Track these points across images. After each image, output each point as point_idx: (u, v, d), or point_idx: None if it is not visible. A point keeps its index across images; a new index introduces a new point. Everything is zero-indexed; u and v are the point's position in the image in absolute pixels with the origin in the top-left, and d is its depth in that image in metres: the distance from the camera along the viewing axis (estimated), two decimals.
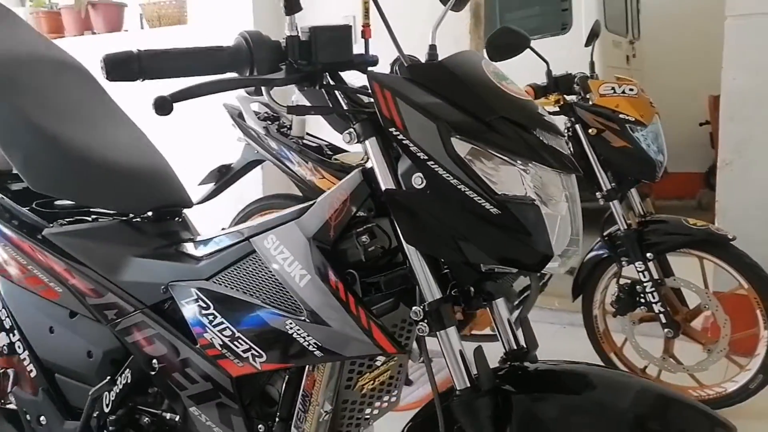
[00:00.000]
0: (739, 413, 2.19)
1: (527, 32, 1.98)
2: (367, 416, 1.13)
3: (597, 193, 2.23)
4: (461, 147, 0.84)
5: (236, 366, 1.05)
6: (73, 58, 1.42)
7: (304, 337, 0.97)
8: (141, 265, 1.19)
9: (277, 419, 1.05)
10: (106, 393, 1.20)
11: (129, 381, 1.19)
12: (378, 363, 1.09)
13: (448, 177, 0.84)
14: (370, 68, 0.95)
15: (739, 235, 2.59)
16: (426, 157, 0.84)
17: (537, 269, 0.88)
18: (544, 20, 5.70)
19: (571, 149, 2.27)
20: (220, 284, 1.07)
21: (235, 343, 1.04)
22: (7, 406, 1.40)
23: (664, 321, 2.19)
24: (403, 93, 0.85)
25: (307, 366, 1.01)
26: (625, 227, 2.19)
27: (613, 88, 2.16)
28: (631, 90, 2.16)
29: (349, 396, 1.07)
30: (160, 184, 1.27)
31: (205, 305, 1.08)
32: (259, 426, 1.07)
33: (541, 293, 2.74)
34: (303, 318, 0.96)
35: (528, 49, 2.01)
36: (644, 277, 2.18)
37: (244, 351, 1.04)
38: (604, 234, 2.28)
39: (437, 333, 0.90)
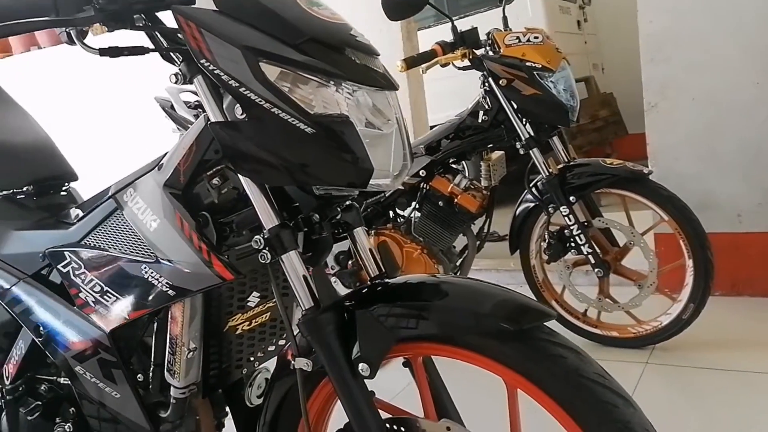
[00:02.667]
0: (677, 345, 2.24)
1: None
2: (251, 358, 1.16)
3: (517, 144, 2.27)
4: (270, 71, 0.87)
5: (109, 319, 1.08)
6: None
7: (157, 279, 1.00)
8: (21, 237, 1.22)
9: (152, 366, 1.08)
10: (6, 366, 1.23)
11: (23, 352, 1.22)
12: (251, 304, 1.12)
13: (261, 102, 0.87)
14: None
15: (672, 174, 2.65)
16: (237, 85, 0.87)
17: (362, 185, 0.91)
18: None
19: (489, 103, 2.32)
20: (90, 245, 1.11)
21: (105, 297, 1.07)
22: None
23: (593, 262, 2.23)
24: (207, 23, 0.87)
25: (170, 310, 1.04)
26: (547, 174, 2.23)
27: (518, 38, 2.20)
28: (536, 38, 2.20)
29: (224, 337, 1.10)
30: (39, 159, 1.30)
31: (77, 266, 1.11)
32: (138, 376, 1.10)
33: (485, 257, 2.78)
34: (154, 261, 1.00)
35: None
36: (570, 220, 2.22)
37: (113, 303, 1.07)
38: (530, 184, 2.32)
39: (279, 258, 0.94)
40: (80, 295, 1.11)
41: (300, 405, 0.99)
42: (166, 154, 1.05)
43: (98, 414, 1.12)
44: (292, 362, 0.97)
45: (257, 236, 0.94)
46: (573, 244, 2.27)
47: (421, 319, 0.89)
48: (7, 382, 1.23)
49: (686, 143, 2.68)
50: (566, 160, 2.30)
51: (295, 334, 0.98)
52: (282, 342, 1.20)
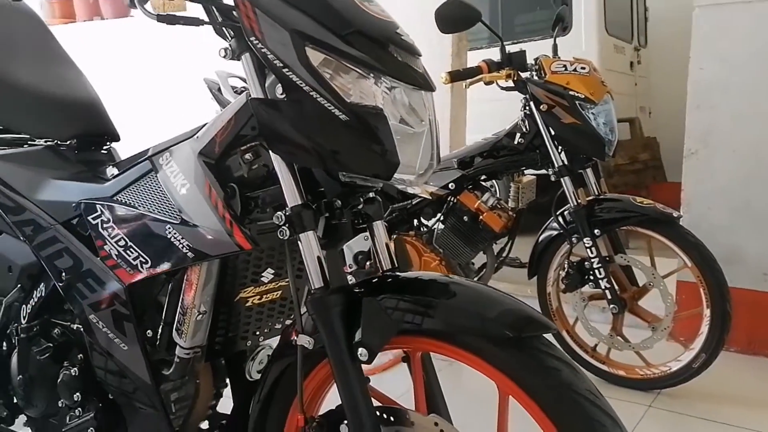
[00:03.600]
0: (683, 393, 2.21)
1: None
2: (257, 332, 1.19)
3: (549, 170, 2.27)
4: (315, 56, 0.90)
5: (128, 273, 1.12)
6: (27, 6, 1.52)
7: (179, 241, 1.04)
8: (57, 186, 1.27)
9: (162, 322, 1.12)
10: (24, 306, 1.28)
11: (43, 294, 1.27)
12: (264, 280, 1.16)
13: (302, 84, 0.90)
14: None
15: (703, 223, 2.62)
16: (282, 66, 0.91)
17: (387, 177, 0.94)
18: (546, 23, 5.75)
19: (527, 126, 2.33)
20: (121, 201, 1.15)
21: (128, 252, 1.12)
22: None
23: (610, 297, 2.22)
24: (261, 4, 0.92)
25: (186, 272, 1.08)
26: (575, 204, 2.23)
27: (564, 66, 2.21)
28: (582, 68, 2.21)
29: (234, 307, 1.13)
30: (86, 115, 1.36)
31: (106, 219, 1.16)
32: (148, 331, 1.14)
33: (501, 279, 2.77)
34: (179, 222, 1.04)
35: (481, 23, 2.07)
36: (592, 252, 2.21)
37: (134, 259, 1.11)
38: (557, 212, 2.32)
39: (297, 236, 0.97)
40: (105, 247, 1.16)
41: (296, 382, 1.02)
42: (205, 125, 1.09)
43: (105, 363, 1.16)
44: (295, 338, 0.99)
45: (279, 212, 0.97)
46: (591, 277, 2.26)
47: (426, 314, 0.91)
48: (23, 321, 1.28)
49: (722, 194, 2.65)
50: (597, 193, 2.30)
51: (302, 313, 1.01)
52: (289, 322, 1.23)
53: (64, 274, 1.21)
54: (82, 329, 1.21)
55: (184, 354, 1.10)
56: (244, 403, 1.29)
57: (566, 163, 2.24)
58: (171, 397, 1.16)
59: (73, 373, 1.19)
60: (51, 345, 1.24)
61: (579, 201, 2.23)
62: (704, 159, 2.70)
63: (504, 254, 2.57)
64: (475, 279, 2.59)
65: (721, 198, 2.66)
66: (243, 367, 1.27)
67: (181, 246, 1.04)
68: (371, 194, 1.08)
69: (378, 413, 0.97)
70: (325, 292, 0.96)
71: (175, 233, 1.05)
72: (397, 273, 1.02)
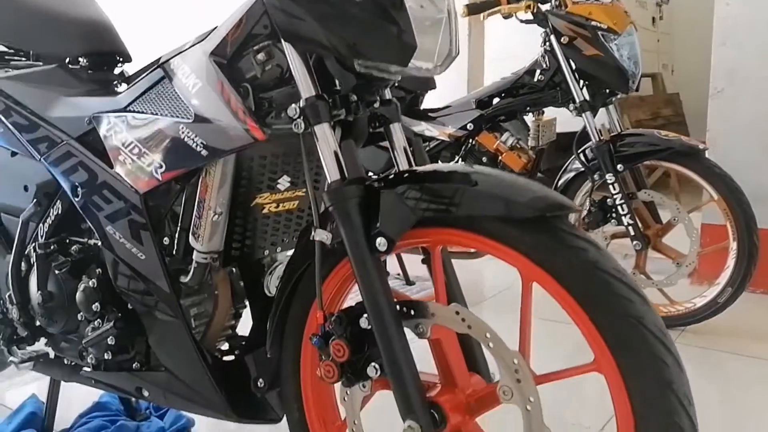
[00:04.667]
0: (708, 329, 2.17)
1: None
2: (274, 242, 1.17)
3: (570, 106, 2.22)
4: None
5: (143, 181, 1.11)
6: None
7: (193, 139, 1.02)
8: (70, 102, 1.26)
9: (178, 228, 1.10)
10: (41, 225, 1.28)
11: (60, 212, 1.27)
12: (280, 187, 1.14)
13: None
14: None
15: (728, 161, 2.54)
16: None
17: (403, 61, 0.91)
18: None
19: (547, 63, 2.27)
20: (134, 110, 1.14)
21: (142, 158, 1.10)
22: None
23: (633, 234, 2.17)
24: None
25: (201, 176, 1.07)
26: (598, 140, 2.18)
27: None
28: None
29: (251, 212, 1.11)
30: (95, 33, 1.34)
31: (119, 129, 1.15)
32: (165, 239, 1.13)
33: None
34: (191, 120, 1.02)
35: None
36: (615, 189, 2.16)
37: (149, 165, 1.10)
38: (579, 150, 2.27)
39: (312, 128, 0.94)
40: (119, 158, 1.14)
41: (315, 284, 1.00)
42: (216, 27, 1.07)
43: (123, 274, 1.15)
44: (312, 233, 0.97)
45: (294, 105, 0.95)
46: (614, 215, 2.21)
47: (446, 202, 0.88)
48: (41, 239, 1.28)
49: (748, 131, 2.58)
50: (619, 129, 2.25)
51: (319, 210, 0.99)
52: (294, 239, 1.21)
53: (79, 188, 1.20)
54: (99, 244, 1.21)
55: (201, 258, 1.09)
56: (263, 321, 1.29)
57: (588, 98, 2.19)
58: (189, 306, 1.15)
59: (92, 285, 1.19)
60: (69, 260, 1.23)
61: (601, 137, 2.18)
62: (730, 97, 2.62)
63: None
64: None
65: (747, 136, 2.58)
66: (261, 283, 1.26)
67: (194, 145, 1.02)
68: (387, 95, 1.05)
69: (398, 307, 0.95)
70: (343, 183, 0.93)
71: (188, 132, 1.03)
72: (416, 168, 0.99)
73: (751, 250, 2.03)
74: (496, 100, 2.40)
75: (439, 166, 0.97)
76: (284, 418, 1.19)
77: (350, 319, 0.97)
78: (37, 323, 1.32)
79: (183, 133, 1.04)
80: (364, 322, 0.96)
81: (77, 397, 1.71)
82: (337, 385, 1.07)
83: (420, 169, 0.97)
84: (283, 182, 1.14)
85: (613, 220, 2.24)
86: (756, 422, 1.64)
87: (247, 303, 1.31)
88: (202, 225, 1.07)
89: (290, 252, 1.21)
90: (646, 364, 0.79)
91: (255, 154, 1.09)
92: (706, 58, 2.66)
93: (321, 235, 0.97)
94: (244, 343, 1.29)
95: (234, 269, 1.27)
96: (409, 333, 0.94)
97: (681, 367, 0.81)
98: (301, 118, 0.94)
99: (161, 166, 1.08)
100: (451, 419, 0.95)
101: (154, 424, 1.55)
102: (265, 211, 1.14)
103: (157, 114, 1.09)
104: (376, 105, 1.04)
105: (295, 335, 1.11)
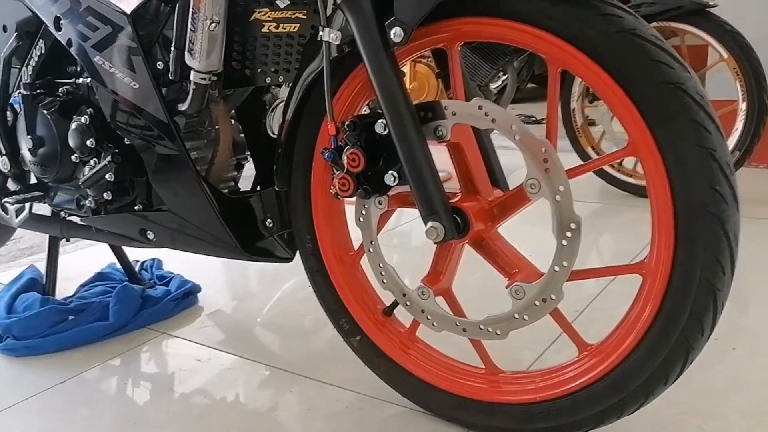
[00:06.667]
0: None
1: None
2: (274, 68, 1.10)
3: None
4: None
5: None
6: None
7: None
8: None
9: (173, 49, 1.02)
10: (25, 68, 1.20)
11: (43, 52, 1.18)
12: (279, 4, 1.05)
13: None
14: None
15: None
16: None
17: None
18: None
19: None
20: None
21: None
22: None
23: None
24: None
25: None
26: None
27: None
28: None
29: (249, 28, 1.03)
30: None
31: None
32: (158, 64, 1.05)
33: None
34: None
35: None
36: None
37: None
38: None
39: None
40: None
41: (324, 100, 0.94)
42: None
43: (116, 107, 1.08)
44: (320, 34, 0.90)
45: None
46: None
47: None
48: (26, 81, 1.19)
49: None
50: None
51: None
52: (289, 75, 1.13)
53: (62, 20, 1.11)
54: (88, 81, 1.13)
55: (199, 79, 1.01)
56: (265, 163, 1.23)
57: None
58: (190, 139, 1.09)
59: (84, 121, 1.11)
60: (58, 100, 1.16)
61: None
62: None
63: (524, 74, 2.44)
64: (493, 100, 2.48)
65: None
66: (260, 127, 1.19)
67: None
68: None
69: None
70: None
71: None
72: None
73: (760, 108, 1.99)
74: None
75: None
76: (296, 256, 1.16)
77: (364, 126, 0.91)
78: (31, 176, 1.26)
79: None
80: (379, 127, 0.90)
81: (81, 270, 1.68)
82: (351, 212, 1.03)
83: None
84: None
85: None
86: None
87: (248, 153, 1.26)
88: (198, 39, 0.99)
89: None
90: (686, 131, 0.74)
91: None
92: None
93: (329, 35, 0.90)
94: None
95: (233, 120, 1.21)
96: None
97: (722, 136, 0.76)
98: None
99: None
100: (474, 225, 0.91)
101: (159, 290, 1.52)
102: (264, 29, 1.05)
103: None
104: None
105: (304, 163, 1.06)
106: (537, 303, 0.86)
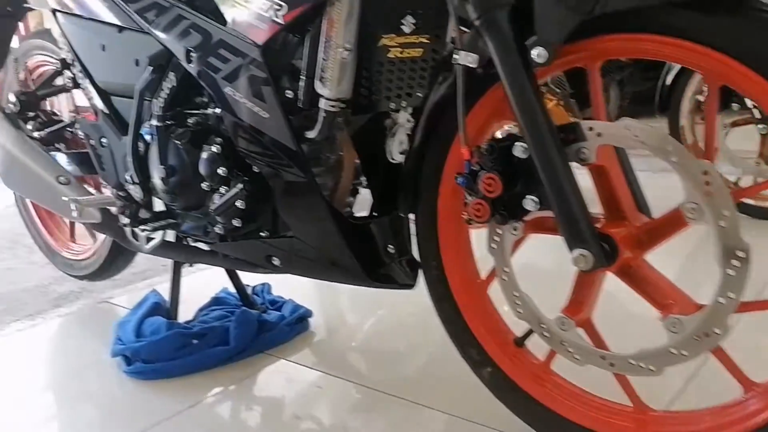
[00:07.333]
0: None
1: None
2: (399, 94, 1.09)
3: None
4: None
5: (261, 30, 1.04)
6: None
7: None
8: None
9: (303, 78, 1.04)
10: (155, 100, 1.24)
11: (173, 84, 1.22)
12: (405, 29, 1.05)
13: None
14: None
15: None
16: None
17: None
18: None
19: None
20: None
21: (258, 5, 1.04)
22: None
23: (758, 117, 1.99)
24: None
25: (325, 12, 0.99)
26: None
27: None
28: None
29: (376, 53, 1.03)
30: None
31: None
32: (287, 92, 1.06)
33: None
34: None
35: None
36: None
37: (267, 11, 1.03)
38: None
39: None
40: (233, 11, 1.09)
41: (451, 126, 0.92)
42: None
43: (246, 136, 1.10)
44: (455, 57, 0.89)
45: None
46: (735, 98, 2.03)
47: None
48: (157, 113, 1.24)
49: None
50: None
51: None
52: (419, 94, 1.12)
53: (192, 52, 1.15)
54: (217, 111, 1.16)
55: (329, 106, 1.02)
56: (384, 190, 1.22)
57: None
58: (315, 165, 1.09)
59: (216, 151, 1.14)
60: (189, 131, 1.19)
61: None
62: None
63: (627, 91, 2.36)
64: None
65: None
66: (377, 153, 1.19)
67: None
68: None
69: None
70: None
71: None
72: None
73: None
74: None
75: None
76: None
77: (501, 149, 0.88)
78: (159, 204, 1.31)
79: None
80: (518, 150, 0.87)
81: (194, 295, 1.73)
82: (479, 238, 1.00)
83: None
84: (408, 23, 1.04)
85: (734, 105, 2.06)
86: None
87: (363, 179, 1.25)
88: (330, 66, 1.00)
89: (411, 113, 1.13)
90: None
91: None
92: None
93: (466, 58, 0.88)
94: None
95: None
96: None
97: None
98: None
99: (280, 8, 1.01)
100: (623, 252, 0.86)
101: (273, 314, 1.54)
102: (390, 55, 1.05)
103: None
104: None
105: (430, 188, 1.04)
106: (698, 337, 0.80)
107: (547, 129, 0.83)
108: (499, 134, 1.00)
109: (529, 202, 0.87)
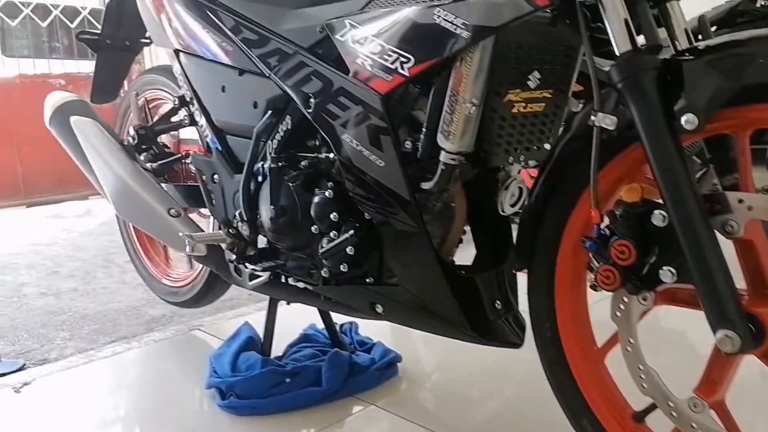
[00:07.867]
0: None
1: None
2: (517, 148, 1.07)
3: None
4: None
5: (385, 81, 1.05)
6: None
7: (451, 21, 0.94)
8: (299, 14, 1.23)
9: (424, 129, 1.03)
10: (270, 141, 1.27)
11: (289, 128, 1.25)
12: (530, 84, 1.03)
13: None
14: None
15: None
16: None
17: None
18: None
19: None
20: (372, 7, 1.08)
21: (384, 57, 1.04)
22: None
23: None
24: None
25: (453, 66, 0.98)
26: None
27: None
28: None
29: (501, 108, 1.01)
30: None
31: (356, 31, 1.09)
32: (406, 143, 1.06)
33: None
34: (450, 0, 0.93)
35: None
36: None
37: (392, 62, 1.03)
38: None
39: None
40: (357, 60, 1.09)
41: (574, 186, 0.89)
42: None
43: (360, 183, 1.10)
44: (592, 118, 0.86)
45: None
46: None
47: None
48: (271, 154, 1.27)
49: None
50: None
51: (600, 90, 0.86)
52: (547, 146, 1.09)
53: (312, 98, 1.16)
54: (331, 156, 1.17)
55: (450, 159, 1.01)
56: (490, 243, 1.20)
57: None
58: (427, 212, 1.08)
59: (328, 195, 1.15)
60: (302, 173, 1.21)
61: None
62: None
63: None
64: None
65: None
66: (493, 201, 1.16)
67: (453, 27, 0.94)
68: None
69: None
70: (636, 54, 0.81)
71: (445, 14, 0.94)
72: (721, 38, 0.84)
73: None
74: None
75: (755, 32, 0.81)
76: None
77: (637, 216, 0.84)
78: (262, 242, 1.32)
79: (438, 17, 0.95)
80: (657, 219, 0.83)
81: (281, 327, 1.74)
82: (596, 305, 0.96)
83: (727, 37, 0.82)
84: (534, 78, 1.03)
85: None
86: None
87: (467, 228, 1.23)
88: (454, 121, 0.98)
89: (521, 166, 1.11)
90: None
91: (511, 41, 0.98)
92: None
93: (603, 120, 0.85)
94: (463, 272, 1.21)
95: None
96: None
97: None
98: None
99: (408, 60, 1.01)
100: None
101: (363, 357, 1.52)
102: (514, 110, 1.03)
103: (402, 4, 1.02)
104: None
105: (549, 246, 1.01)
106: None
107: (693, 199, 0.79)
108: (624, 196, 0.96)
109: (667, 274, 0.83)
